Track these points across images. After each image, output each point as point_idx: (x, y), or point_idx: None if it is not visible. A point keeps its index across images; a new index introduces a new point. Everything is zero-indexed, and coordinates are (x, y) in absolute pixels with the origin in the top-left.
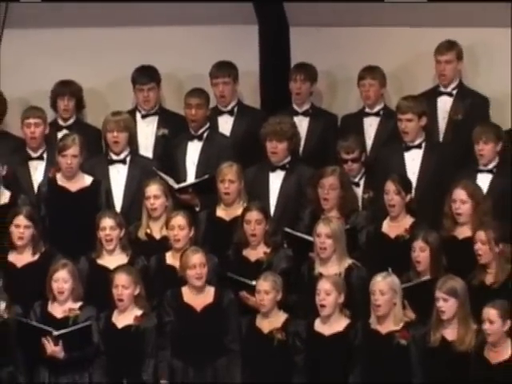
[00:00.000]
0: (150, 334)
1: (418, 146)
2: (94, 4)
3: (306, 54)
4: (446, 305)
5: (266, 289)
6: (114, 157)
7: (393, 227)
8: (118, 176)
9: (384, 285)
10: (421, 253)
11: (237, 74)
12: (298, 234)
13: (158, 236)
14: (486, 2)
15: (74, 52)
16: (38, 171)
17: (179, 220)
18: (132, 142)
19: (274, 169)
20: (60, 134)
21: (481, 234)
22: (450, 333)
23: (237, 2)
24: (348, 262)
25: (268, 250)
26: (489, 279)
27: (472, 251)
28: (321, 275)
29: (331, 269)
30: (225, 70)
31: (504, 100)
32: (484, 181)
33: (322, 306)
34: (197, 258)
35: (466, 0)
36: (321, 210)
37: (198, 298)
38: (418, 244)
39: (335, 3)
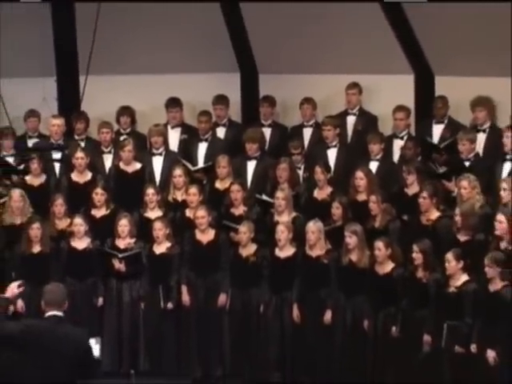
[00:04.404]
0: (175, 257)
1: (335, 146)
2: (139, 57)
3: (269, 90)
4: (351, 240)
5: (244, 231)
6: (155, 151)
7: (320, 194)
8: (157, 163)
9: (314, 227)
10: (336, 210)
11: (228, 102)
12: (264, 198)
13: (180, 199)
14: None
15: (130, 89)
16: (108, 161)
17: (194, 190)
18: (165, 143)
19: (250, 159)
20: (121, 138)
21: (373, 198)
22: (354, 257)
23: (222, 52)
24: (294, 214)
25: (245, 209)
26: (377, 224)
27: (367, 208)
28: (277, 222)
29: (284, 218)
30: (221, 100)
31: (386, 118)
32: (374, 166)
33: (279, 240)
34: (198, 213)
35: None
36: (277, 183)
37: (205, 236)
38: (335, 204)
39: (291, 56)
